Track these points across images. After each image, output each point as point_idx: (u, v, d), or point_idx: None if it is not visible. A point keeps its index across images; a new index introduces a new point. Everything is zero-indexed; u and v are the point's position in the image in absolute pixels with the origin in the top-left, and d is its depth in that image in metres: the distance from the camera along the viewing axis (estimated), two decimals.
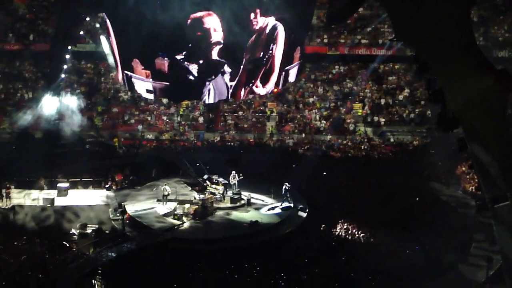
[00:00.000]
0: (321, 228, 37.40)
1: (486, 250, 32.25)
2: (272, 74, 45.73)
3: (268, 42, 43.38)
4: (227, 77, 45.34)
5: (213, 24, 42.47)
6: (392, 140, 55.54)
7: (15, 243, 32.87)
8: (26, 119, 52.15)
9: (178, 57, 44.20)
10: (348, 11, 40.27)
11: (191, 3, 41.34)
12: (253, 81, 45.19)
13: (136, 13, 41.35)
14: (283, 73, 47.57)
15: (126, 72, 46.48)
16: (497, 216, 20.62)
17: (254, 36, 42.52)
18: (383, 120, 57.88)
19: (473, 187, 42.86)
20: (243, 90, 45.36)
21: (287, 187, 41.14)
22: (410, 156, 51.87)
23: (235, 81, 44.70)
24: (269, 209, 40.36)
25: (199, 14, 41.88)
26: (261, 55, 43.93)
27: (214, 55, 44.00)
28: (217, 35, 43.03)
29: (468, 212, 39.67)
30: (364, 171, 48.16)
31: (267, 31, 42.22)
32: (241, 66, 43.72)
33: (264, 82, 45.58)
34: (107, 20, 45.53)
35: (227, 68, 44.87)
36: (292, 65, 46.70)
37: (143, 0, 40.75)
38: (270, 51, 44.01)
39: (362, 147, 54.18)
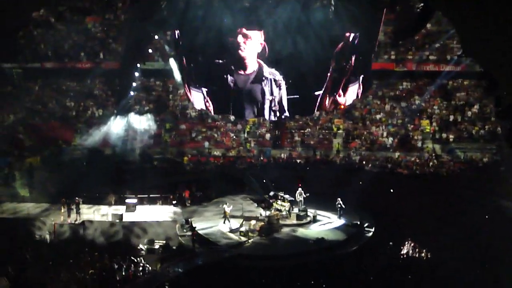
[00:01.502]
0: (388, 246, 37.03)
1: None
2: (351, 83, 45.54)
3: (350, 52, 43.13)
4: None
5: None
6: (461, 157, 54.72)
7: (84, 257, 33.36)
8: (97, 136, 53.18)
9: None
10: (416, 27, 40.10)
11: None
12: (336, 90, 45.00)
13: (202, 31, 41.79)
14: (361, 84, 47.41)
15: (191, 88, 46.93)
16: None
17: (341, 44, 42.31)
18: (452, 136, 57.07)
19: None
20: (327, 99, 45.08)
21: (340, 204, 41.45)
22: (479, 174, 51.01)
23: (322, 91, 44.42)
24: (335, 226, 40.27)
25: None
26: (344, 63, 43.72)
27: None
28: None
29: None
30: (432, 188, 47.51)
31: (350, 40, 41.98)
32: (328, 74, 43.45)
33: (345, 92, 45.39)
34: (175, 37, 46.06)
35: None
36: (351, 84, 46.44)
37: (209, 19, 41.11)
38: (350, 61, 43.76)
39: (430, 164, 53.52)
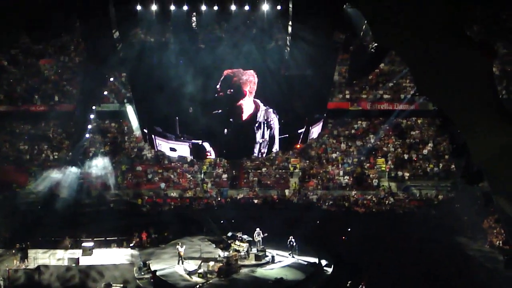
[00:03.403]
0: (347, 285, 37.01)
1: None
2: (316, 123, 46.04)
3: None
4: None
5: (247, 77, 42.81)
6: (416, 194, 55.31)
7: None
8: (52, 179, 52.62)
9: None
10: (370, 67, 40.61)
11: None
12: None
13: (158, 74, 41.76)
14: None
15: (145, 131, 46.65)
16: None
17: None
18: (407, 174, 57.70)
19: (501, 241, 42.54)
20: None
21: (292, 242, 41.64)
22: (435, 211, 51.60)
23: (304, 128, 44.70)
24: (293, 266, 40.28)
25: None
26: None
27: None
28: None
29: (496, 267, 39.23)
30: (389, 226, 47.85)
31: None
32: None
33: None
34: (129, 82, 45.97)
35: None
36: (315, 124, 46.70)
37: (166, 59, 41.05)
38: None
39: (386, 202, 53.98)
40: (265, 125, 43.88)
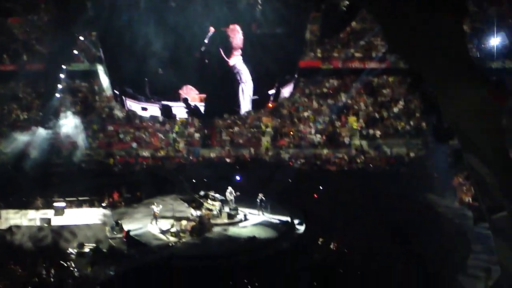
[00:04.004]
0: (319, 242, 37.29)
1: (485, 261, 32.18)
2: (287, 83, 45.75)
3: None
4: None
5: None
6: (387, 153, 55.62)
7: (13, 264, 32.67)
8: (22, 139, 52.15)
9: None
10: (341, 25, 40.54)
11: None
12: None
13: (128, 34, 41.08)
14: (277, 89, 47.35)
15: (116, 92, 46.03)
16: (494, 227, 20.61)
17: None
18: (379, 133, 57.95)
19: (470, 198, 43.00)
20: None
21: (262, 199, 42.03)
22: (405, 169, 52.01)
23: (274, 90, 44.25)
24: (266, 224, 40.52)
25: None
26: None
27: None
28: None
29: (465, 223, 39.73)
30: (360, 184, 48.17)
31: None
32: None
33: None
34: (99, 41, 45.34)
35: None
36: (286, 85, 46.45)
37: (136, 19, 40.49)
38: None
39: (358, 160, 54.27)
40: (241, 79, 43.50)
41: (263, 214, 42.17)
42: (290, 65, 45.23)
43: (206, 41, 40.36)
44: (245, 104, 44.04)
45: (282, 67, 43.72)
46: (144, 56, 41.15)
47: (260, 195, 42.21)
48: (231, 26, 41.21)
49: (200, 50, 40.63)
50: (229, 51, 42.15)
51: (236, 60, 42.59)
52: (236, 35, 41.71)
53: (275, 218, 41.38)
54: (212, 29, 41.55)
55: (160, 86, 42.54)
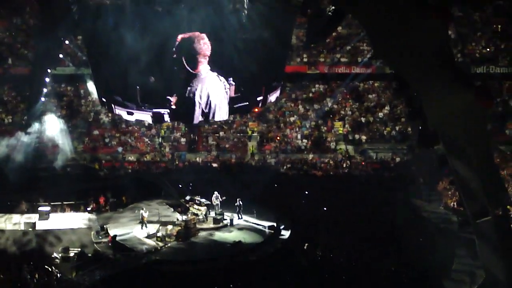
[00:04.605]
0: (304, 247, 37.33)
1: (469, 265, 32.34)
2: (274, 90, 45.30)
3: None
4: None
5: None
6: (373, 157, 55.84)
7: None
8: (6, 143, 51.90)
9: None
10: (327, 30, 40.54)
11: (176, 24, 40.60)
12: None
13: (114, 39, 40.43)
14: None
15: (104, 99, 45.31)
16: (479, 231, 20.77)
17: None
18: (364, 137, 58.20)
19: (455, 203, 43.26)
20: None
21: (239, 204, 42.29)
22: (391, 173, 52.21)
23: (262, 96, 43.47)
24: (252, 228, 40.58)
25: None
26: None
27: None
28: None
29: (450, 228, 39.91)
30: (346, 188, 48.30)
31: None
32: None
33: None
34: (85, 46, 44.85)
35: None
36: (273, 91, 45.97)
37: (122, 23, 40.07)
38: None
39: (344, 165, 54.42)
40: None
41: (240, 217, 42.32)
42: (275, 70, 44.90)
43: (174, 48, 39.74)
44: (217, 111, 43.01)
45: (267, 72, 43.35)
46: (132, 63, 40.52)
47: (238, 200, 42.26)
48: (197, 33, 40.59)
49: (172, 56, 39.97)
50: (196, 58, 41.33)
51: (204, 67, 41.72)
52: (201, 41, 40.92)
53: (261, 223, 41.36)
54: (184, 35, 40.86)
55: (151, 94, 41.83)
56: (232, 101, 40.50)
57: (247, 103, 42.54)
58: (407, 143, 55.64)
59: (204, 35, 38.94)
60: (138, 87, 40.34)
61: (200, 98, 39.90)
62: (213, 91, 39.34)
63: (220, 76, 39.46)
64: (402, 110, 59.04)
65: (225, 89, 39.85)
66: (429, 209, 44.95)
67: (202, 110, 40.58)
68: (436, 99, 20.30)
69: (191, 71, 39.01)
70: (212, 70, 39.23)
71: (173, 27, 38.60)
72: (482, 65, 58.64)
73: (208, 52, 39.38)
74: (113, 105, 42.20)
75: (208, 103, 40.50)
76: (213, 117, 41.33)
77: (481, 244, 20.93)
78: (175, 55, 38.43)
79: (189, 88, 39.29)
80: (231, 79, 40.19)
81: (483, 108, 19.45)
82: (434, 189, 46.67)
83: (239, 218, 42.27)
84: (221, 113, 40.84)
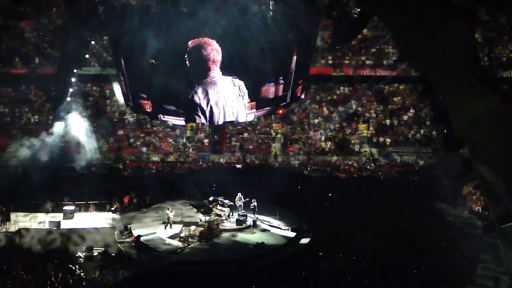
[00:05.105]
0: (327, 249, 37.23)
1: (493, 271, 32.09)
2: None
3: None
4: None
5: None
6: (397, 160, 55.63)
7: (21, 267, 32.71)
8: (33, 142, 52.26)
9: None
10: (353, 33, 40.41)
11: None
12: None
13: (140, 37, 40.07)
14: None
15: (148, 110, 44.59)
16: (503, 236, 20.54)
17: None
18: (388, 140, 57.99)
19: (479, 207, 42.91)
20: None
21: (254, 205, 42.21)
22: (415, 177, 51.94)
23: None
24: (274, 231, 40.50)
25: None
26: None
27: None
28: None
29: (474, 233, 39.59)
30: (370, 191, 48.12)
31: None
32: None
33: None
34: (111, 46, 44.87)
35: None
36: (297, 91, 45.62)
37: (148, 24, 39.87)
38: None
39: (368, 167, 54.25)
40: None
41: (256, 218, 42.07)
42: (300, 71, 44.69)
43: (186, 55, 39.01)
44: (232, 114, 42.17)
45: (292, 73, 43.15)
46: (168, 68, 39.57)
47: (253, 201, 42.22)
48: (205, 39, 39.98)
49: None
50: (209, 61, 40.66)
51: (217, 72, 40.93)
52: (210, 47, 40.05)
53: (284, 225, 41.27)
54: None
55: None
56: (277, 100, 40.40)
57: (267, 103, 42.14)
58: (432, 146, 55.45)
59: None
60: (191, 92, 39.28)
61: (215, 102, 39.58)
62: (227, 95, 38.93)
63: (234, 80, 39.08)
64: (427, 113, 58.78)
65: (239, 93, 39.52)
66: (454, 213, 44.69)
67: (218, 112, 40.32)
68: (462, 102, 20.14)
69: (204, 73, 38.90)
70: (224, 74, 38.73)
71: (197, 28, 38.39)
72: (509, 69, 58.18)
73: (219, 58, 39.02)
74: (160, 116, 41.38)
75: (222, 107, 40.25)
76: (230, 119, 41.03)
77: (506, 249, 20.70)
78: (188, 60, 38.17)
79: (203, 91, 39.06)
80: (281, 78, 40.00)
81: (509, 112, 19.27)
82: (459, 193, 46.34)
83: (256, 219, 42.04)
84: (240, 116, 40.47)
